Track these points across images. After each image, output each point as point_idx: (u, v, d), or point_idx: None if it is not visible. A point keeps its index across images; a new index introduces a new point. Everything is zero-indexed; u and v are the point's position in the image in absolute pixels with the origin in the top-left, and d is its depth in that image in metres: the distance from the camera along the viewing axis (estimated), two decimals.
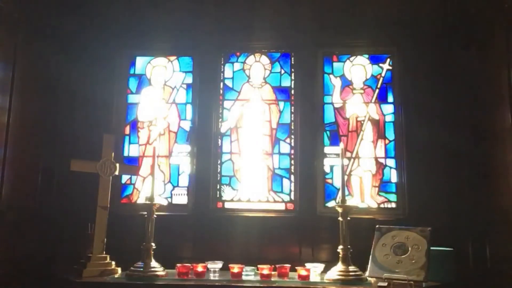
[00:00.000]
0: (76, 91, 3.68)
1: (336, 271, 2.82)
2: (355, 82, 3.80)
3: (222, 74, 3.86)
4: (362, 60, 3.84)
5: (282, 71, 3.87)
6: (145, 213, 3.02)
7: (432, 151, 3.50)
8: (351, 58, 3.84)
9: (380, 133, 3.71)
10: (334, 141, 3.69)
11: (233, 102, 3.83)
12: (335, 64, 3.85)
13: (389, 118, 3.72)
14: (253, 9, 3.74)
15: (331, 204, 3.56)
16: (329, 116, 3.75)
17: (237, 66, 3.90)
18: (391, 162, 3.65)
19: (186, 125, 3.81)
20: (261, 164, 3.71)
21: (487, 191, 3.25)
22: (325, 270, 2.97)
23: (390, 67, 3.78)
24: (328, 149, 3.69)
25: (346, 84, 3.81)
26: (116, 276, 2.97)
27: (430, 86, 3.59)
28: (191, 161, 3.71)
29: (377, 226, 3.05)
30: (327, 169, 3.66)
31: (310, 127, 3.67)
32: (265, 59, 3.89)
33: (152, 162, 3.23)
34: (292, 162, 3.68)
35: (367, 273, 2.86)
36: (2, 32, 2.95)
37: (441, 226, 3.05)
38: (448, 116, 3.53)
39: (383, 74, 3.79)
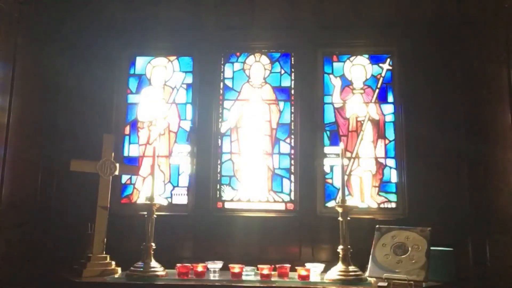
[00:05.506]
0: (76, 91, 3.67)
1: (336, 271, 2.82)
2: (355, 82, 3.80)
3: (222, 74, 3.86)
4: (362, 60, 3.83)
5: (282, 71, 3.86)
6: (145, 213, 3.02)
7: (432, 151, 3.50)
8: (351, 58, 3.84)
9: (380, 133, 3.71)
10: (334, 141, 3.69)
11: (233, 102, 3.83)
12: (335, 64, 3.84)
13: (389, 118, 3.72)
14: (253, 9, 3.76)
15: (331, 204, 3.56)
16: (329, 116, 3.75)
17: (237, 66, 3.90)
18: (391, 162, 3.65)
19: (186, 125, 3.80)
20: (261, 164, 3.71)
21: (487, 191, 3.25)
22: (325, 270, 2.97)
23: (390, 67, 3.78)
24: (328, 149, 3.68)
25: (346, 84, 3.81)
26: (116, 276, 2.97)
27: (430, 86, 3.59)
28: (191, 161, 3.71)
29: (377, 226, 3.05)
30: (327, 169, 3.66)
31: (310, 127, 3.67)
32: (265, 59, 3.89)
33: (152, 162, 3.23)
34: (292, 162, 3.68)
35: (367, 273, 2.86)
36: (2, 32, 2.95)
37: (441, 226, 3.05)
38: (448, 116, 3.53)
39: (383, 74, 3.79)
